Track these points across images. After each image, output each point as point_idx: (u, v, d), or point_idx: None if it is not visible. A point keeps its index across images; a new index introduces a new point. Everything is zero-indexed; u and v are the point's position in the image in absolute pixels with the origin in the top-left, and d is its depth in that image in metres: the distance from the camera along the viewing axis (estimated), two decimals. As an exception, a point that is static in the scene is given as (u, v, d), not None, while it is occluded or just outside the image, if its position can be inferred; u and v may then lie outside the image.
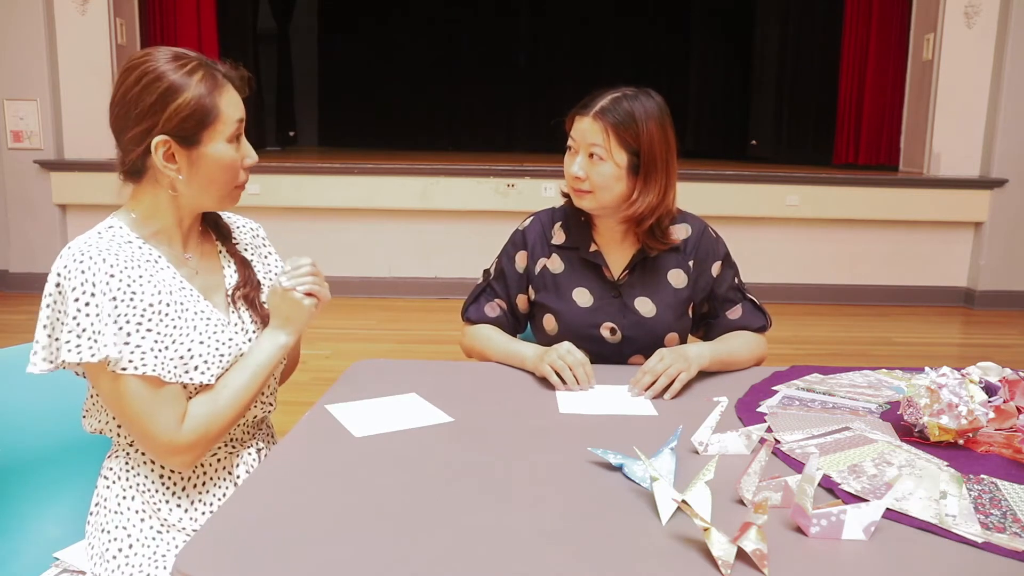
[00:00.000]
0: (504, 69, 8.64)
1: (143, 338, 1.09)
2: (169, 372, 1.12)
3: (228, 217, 1.37)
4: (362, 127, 8.42)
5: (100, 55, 5.09)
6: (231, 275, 1.29)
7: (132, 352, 1.08)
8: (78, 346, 1.06)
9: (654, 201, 1.52)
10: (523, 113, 8.67)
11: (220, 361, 1.18)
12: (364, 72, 8.49)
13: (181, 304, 1.16)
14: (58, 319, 1.08)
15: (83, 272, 1.07)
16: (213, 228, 1.32)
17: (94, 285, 1.07)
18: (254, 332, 1.27)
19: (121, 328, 1.08)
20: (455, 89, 8.57)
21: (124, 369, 1.08)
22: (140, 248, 1.16)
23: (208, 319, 1.19)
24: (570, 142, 1.55)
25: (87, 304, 1.06)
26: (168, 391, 1.12)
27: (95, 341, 1.06)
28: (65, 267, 1.08)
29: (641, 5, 8.45)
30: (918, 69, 5.52)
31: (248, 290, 1.29)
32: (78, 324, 1.06)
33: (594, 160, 1.50)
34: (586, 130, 1.51)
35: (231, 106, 1.17)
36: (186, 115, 1.12)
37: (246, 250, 1.35)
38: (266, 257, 1.40)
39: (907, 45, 5.62)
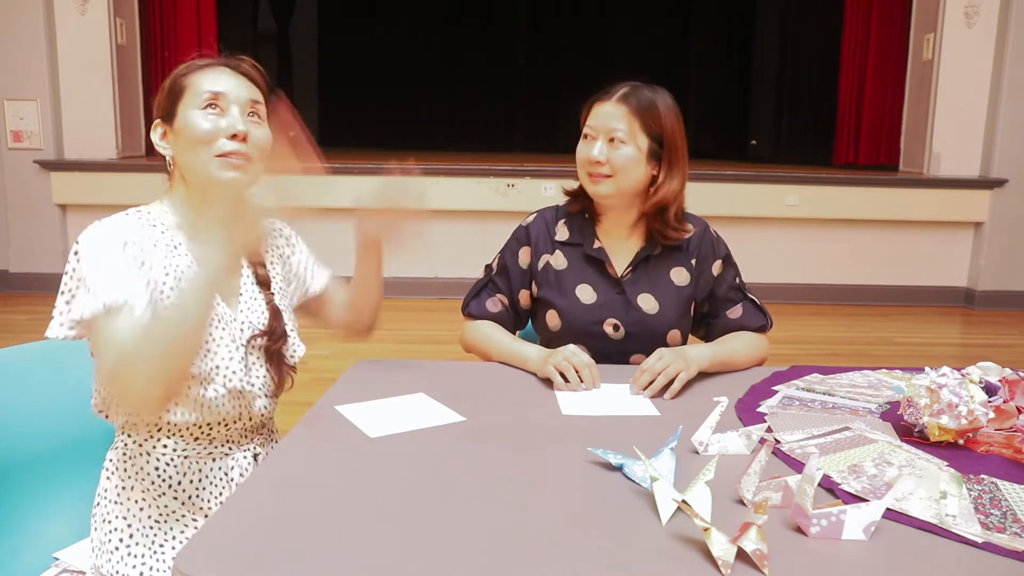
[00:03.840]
0: (504, 69, 8.64)
1: (142, 290, 1.12)
2: None
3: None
4: (362, 127, 8.42)
5: (100, 55, 5.09)
6: (252, 284, 1.30)
7: (130, 294, 1.09)
8: (73, 297, 1.10)
9: (677, 187, 1.57)
10: (523, 113, 8.67)
11: (205, 354, 1.19)
12: (364, 72, 8.49)
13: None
14: (76, 284, 1.11)
15: (95, 236, 1.12)
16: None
17: (104, 246, 1.11)
18: (265, 351, 1.29)
19: (124, 279, 1.10)
20: (455, 89, 8.57)
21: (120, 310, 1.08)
22: (163, 233, 1.20)
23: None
24: (587, 130, 1.56)
25: (97, 258, 1.10)
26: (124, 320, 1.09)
27: (100, 290, 1.08)
28: (83, 236, 1.13)
29: (642, 5, 8.45)
30: (918, 69, 5.52)
31: (270, 343, 1.28)
32: (76, 278, 1.10)
33: (615, 143, 1.52)
34: (608, 115, 1.53)
35: (206, 80, 1.20)
36: (164, 95, 1.22)
37: (279, 252, 1.38)
38: (288, 258, 1.41)
39: (907, 45, 5.62)
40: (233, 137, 1.18)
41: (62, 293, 1.12)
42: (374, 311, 1.49)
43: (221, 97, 1.19)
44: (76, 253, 1.12)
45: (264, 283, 1.32)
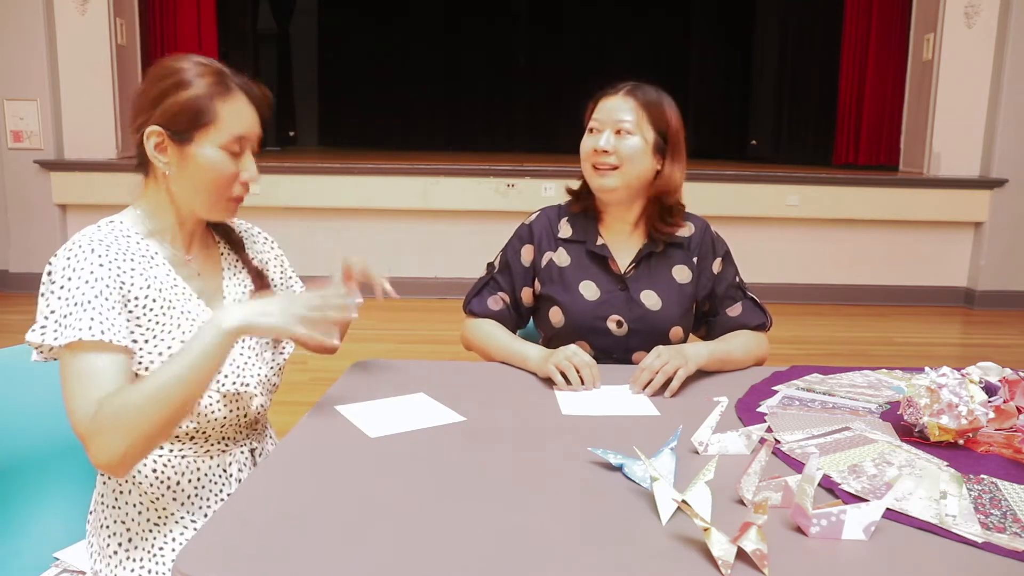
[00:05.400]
0: (504, 69, 8.65)
1: (119, 314, 1.08)
2: (145, 364, 1.13)
3: (241, 224, 1.37)
4: (362, 127, 8.43)
5: (100, 55, 5.09)
6: (235, 284, 1.30)
7: (101, 324, 1.04)
8: (43, 327, 1.06)
9: (678, 178, 1.60)
10: (523, 113, 8.68)
11: None
12: (364, 72, 8.50)
13: (169, 302, 1.17)
14: (48, 314, 1.07)
15: (68, 259, 1.08)
16: (224, 237, 1.32)
17: (74, 271, 1.07)
18: (253, 340, 1.27)
19: (96, 309, 1.05)
20: (455, 89, 8.58)
21: (92, 336, 1.04)
22: (138, 244, 1.18)
23: (194, 321, 1.18)
24: (593, 123, 1.59)
25: (62, 288, 1.07)
26: (111, 363, 1.04)
27: (66, 326, 1.04)
28: (56, 256, 1.10)
29: (641, 5, 8.45)
30: (918, 69, 5.52)
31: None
32: (48, 307, 1.06)
33: (621, 135, 1.54)
34: (615, 107, 1.56)
35: (233, 116, 1.16)
36: (179, 110, 1.14)
37: (259, 258, 1.36)
38: (266, 263, 1.39)
39: (907, 45, 5.62)
40: (243, 183, 1.20)
41: (39, 321, 1.07)
42: (342, 333, 1.48)
43: (244, 141, 1.18)
44: (49, 275, 1.08)
45: (238, 245, 1.32)
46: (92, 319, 1.05)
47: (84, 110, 5.09)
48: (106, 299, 1.07)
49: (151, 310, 1.14)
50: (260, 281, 1.32)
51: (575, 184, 1.68)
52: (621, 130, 1.54)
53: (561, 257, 1.64)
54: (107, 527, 1.18)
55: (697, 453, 1.12)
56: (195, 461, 1.22)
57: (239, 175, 1.19)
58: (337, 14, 8.60)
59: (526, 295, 1.67)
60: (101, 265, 1.09)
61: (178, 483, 1.20)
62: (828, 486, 1.01)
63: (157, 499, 1.19)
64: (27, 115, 4.98)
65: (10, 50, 4.93)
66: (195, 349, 1.04)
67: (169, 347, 1.14)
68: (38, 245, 5.07)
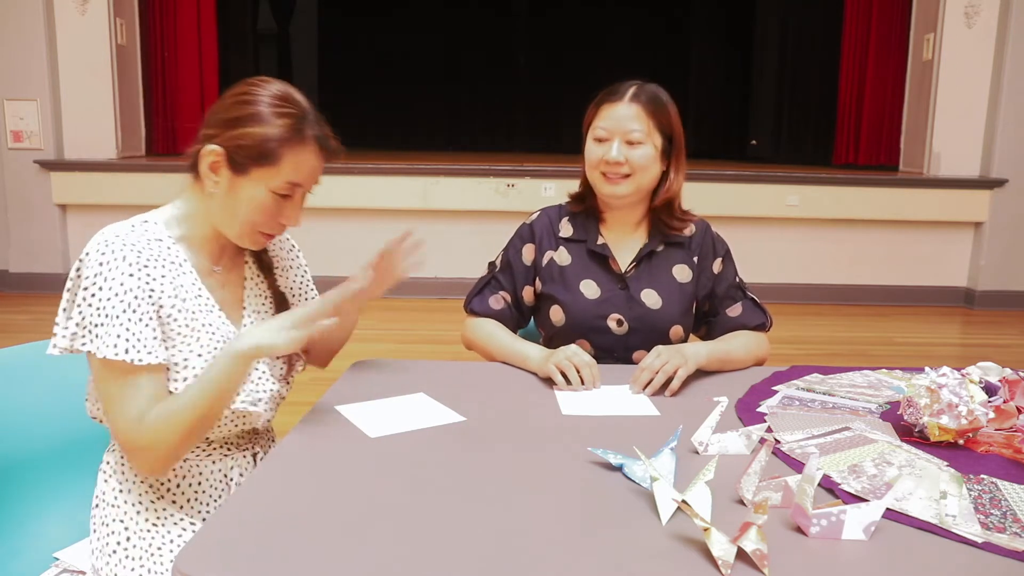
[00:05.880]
0: (504, 69, 8.64)
1: (146, 326, 1.10)
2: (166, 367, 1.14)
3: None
4: (362, 127, 8.41)
5: (100, 55, 5.09)
6: (255, 297, 1.30)
7: (127, 341, 1.08)
8: (74, 334, 1.08)
9: (682, 180, 1.61)
10: (523, 113, 8.67)
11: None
12: (364, 72, 8.49)
13: (192, 313, 1.17)
14: (72, 303, 1.10)
15: (100, 264, 1.09)
16: (255, 256, 1.33)
17: (105, 279, 1.08)
18: (268, 362, 1.27)
19: (124, 324, 1.08)
20: (455, 89, 8.57)
21: (116, 355, 1.07)
22: (168, 248, 1.18)
23: (213, 334, 1.18)
24: (600, 132, 1.56)
25: (93, 296, 1.08)
26: (145, 381, 1.09)
27: (96, 336, 1.07)
28: (87, 254, 1.10)
29: (642, 5, 8.45)
30: (918, 69, 5.52)
31: None
32: (80, 314, 1.08)
33: (632, 144, 1.54)
34: (623, 116, 1.54)
35: (296, 164, 1.17)
36: (246, 144, 1.15)
37: (281, 265, 1.37)
38: (288, 269, 1.40)
39: (907, 45, 5.62)
40: (280, 224, 1.22)
41: (63, 309, 1.10)
42: (339, 347, 1.52)
43: (296, 188, 1.19)
44: (78, 271, 1.09)
45: (267, 268, 1.33)
46: (120, 337, 1.07)
47: (84, 110, 5.09)
48: (134, 311, 1.09)
49: (175, 320, 1.15)
50: (281, 305, 1.32)
51: (574, 186, 1.68)
52: (631, 139, 1.53)
53: (562, 256, 1.64)
54: (107, 525, 1.19)
55: (697, 453, 1.12)
56: (196, 465, 1.22)
57: (278, 217, 1.20)
58: (337, 14, 8.59)
59: (527, 294, 1.67)
60: (131, 275, 1.09)
61: (178, 486, 1.20)
62: (828, 486, 1.01)
63: (156, 500, 1.19)
64: (27, 115, 4.98)
65: (10, 50, 4.93)
66: (214, 372, 1.13)
67: (185, 359, 1.15)
68: (38, 245, 5.07)
